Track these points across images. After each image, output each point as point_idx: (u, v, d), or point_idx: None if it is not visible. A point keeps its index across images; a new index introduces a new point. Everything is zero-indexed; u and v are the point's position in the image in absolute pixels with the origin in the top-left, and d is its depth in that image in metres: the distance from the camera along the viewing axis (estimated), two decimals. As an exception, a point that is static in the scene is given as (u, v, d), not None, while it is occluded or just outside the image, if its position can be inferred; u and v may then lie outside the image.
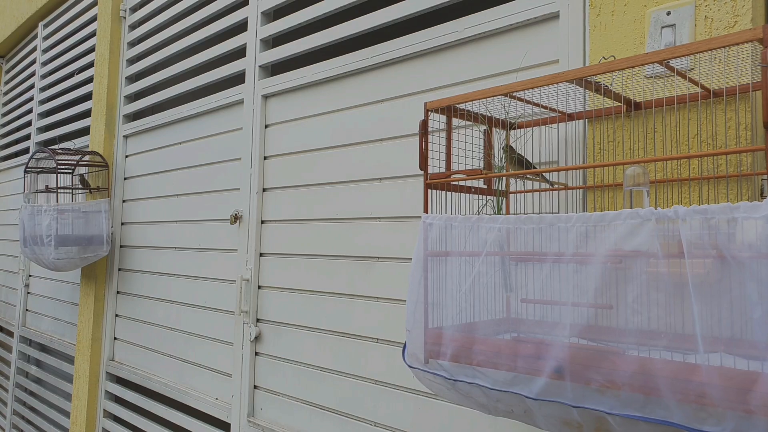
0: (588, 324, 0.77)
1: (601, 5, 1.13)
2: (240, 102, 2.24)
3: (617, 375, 0.74)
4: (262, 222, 2.11)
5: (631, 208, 0.76)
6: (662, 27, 1.01)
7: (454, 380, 0.94)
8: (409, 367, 1.03)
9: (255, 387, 2.06)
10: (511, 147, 1.07)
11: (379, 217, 1.69)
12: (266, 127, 2.13)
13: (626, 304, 0.73)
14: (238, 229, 2.18)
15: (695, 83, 0.91)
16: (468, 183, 1.09)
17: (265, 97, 2.13)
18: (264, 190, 2.12)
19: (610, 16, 1.11)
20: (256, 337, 2.06)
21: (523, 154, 1.10)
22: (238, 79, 2.26)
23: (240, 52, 2.26)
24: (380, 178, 1.70)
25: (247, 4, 2.24)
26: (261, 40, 2.16)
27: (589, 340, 0.79)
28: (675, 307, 0.70)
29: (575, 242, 0.78)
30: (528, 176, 1.12)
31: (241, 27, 2.27)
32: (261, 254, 2.10)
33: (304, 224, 1.94)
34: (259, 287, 2.09)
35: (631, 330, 0.73)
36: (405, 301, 1.58)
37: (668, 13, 1.01)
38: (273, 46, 2.15)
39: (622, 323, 0.74)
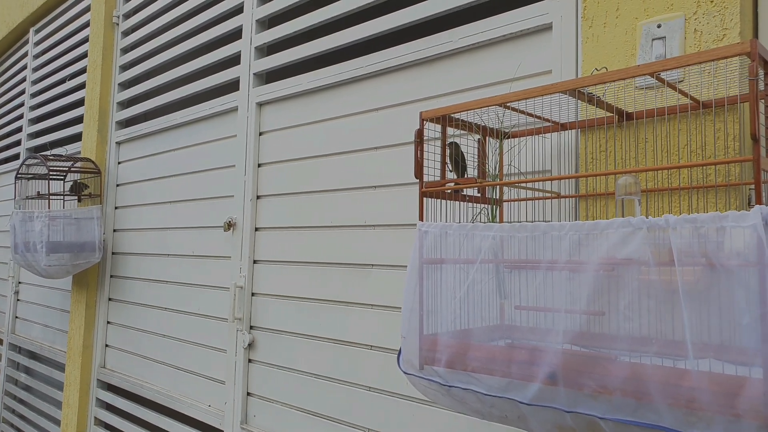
0: (581, 330, 0.79)
1: (593, 17, 1.15)
2: (234, 109, 2.25)
3: (609, 380, 0.75)
4: (256, 229, 2.11)
5: (623, 216, 0.77)
6: (653, 39, 1.04)
7: (449, 386, 0.95)
8: (404, 373, 1.04)
9: (248, 394, 2.06)
10: (456, 144, 1.08)
11: (373, 225, 1.70)
12: (261, 134, 2.14)
13: (618, 311, 0.75)
14: (232, 236, 2.18)
15: (685, 95, 0.93)
16: (462, 191, 1.10)
17: (260, 104, 2.14)
18: (258, 197, 2.12)
19: (602, 28, 1.13)
20: (249, 344, 2.06)
21: (465, 156, 1.10)
22: (233, 86, 2.27)
23: (234, 60, 2.27)
24: (375, 186, 1.72)
25: (242, 11, 2.25)
26: (256, 48, 2.17)
27: (582, 347, 0.80)
28: (666, 314, 0.71)
29: (568, 250, 0.79)
30: (520, 185, 1.14)
31: (235, 35, 2.28)
32: (255, 261, 2.10)
33: (298, 231, 1.95)
34: (253, 294, 2.09)
35: (622, 336, 0.75)
36: (400, 308, 1.60)
37: (659, 26, 1.03)
38: (268, 54, 2.16)
39: (614, 330, 0.75)
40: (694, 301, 0.68)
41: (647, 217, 0.72)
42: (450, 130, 1.09)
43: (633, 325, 0.74)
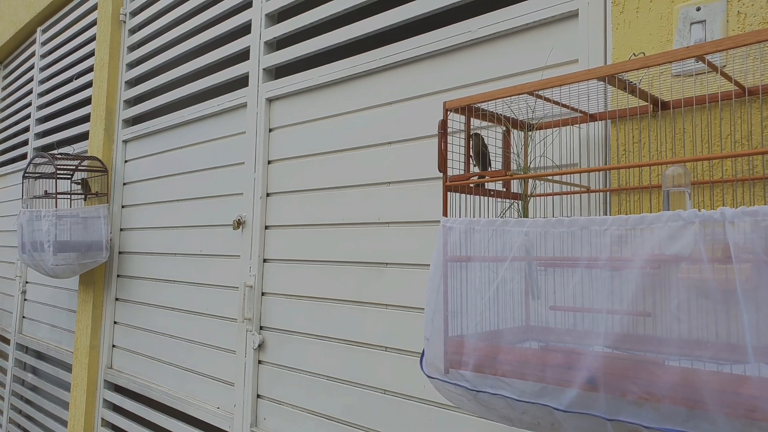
0: (624, 332, 0.73)
1: (624, 2, 1.09)
2: (243, 105, 2.20)
3: (657, 386, 0.70)
4: (266, 227, 2.07)
5: (671, 210, 0.72)
6: (691, 23, 0.98)
7: (477, 391, 0.90)
8: (428, 377, 0.98)
9: (258, 396, 2.01)
10: (479, 135, 1.03)
11: (387, 222, 1.65)
12: (270, 130, 2.09)
13: (668, 311, 0.69)
14: (241, 234, 2.14)
15: (740, 86, 0.87)
16: (486, 185, 1.05)
17: (269, 100, 2.10)
18: (268, 194, 2.07)
19: (635, 13, 1.07)
20: (259, 345, 2.01)
21: (487, 147, 1.05)
22: (242, 82, 2.22)
23: (243, 55, 2.22)
24: (389, 182, 1.66)
25: (251, 6, 2.20)
26: (265, 42, 2.13)
27: (625, 350, 0.75)
28: (721, 316, 0.66)
29: (610, 246, 0.74)
30: (550, 179, 1.08)
31: (244, 30, 2.23)
32: (265, 260, 2.05)
33: (309, 229, 1.90)
34: (263, 294, 2.04)
35: (672, 339, 0.69)
36: (416, 308, 1.55)
37: (698, 9, 0.98)
38: (277, 49, 2.12)
39: (663, 332, 0.70)
40: (755, 302, 0.63)
41: (700, 211, 0.66)
42: (474, 122, 1.03)
43: (683, 327, 0.68)
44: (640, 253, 0.71)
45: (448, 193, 0.99)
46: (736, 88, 0.88)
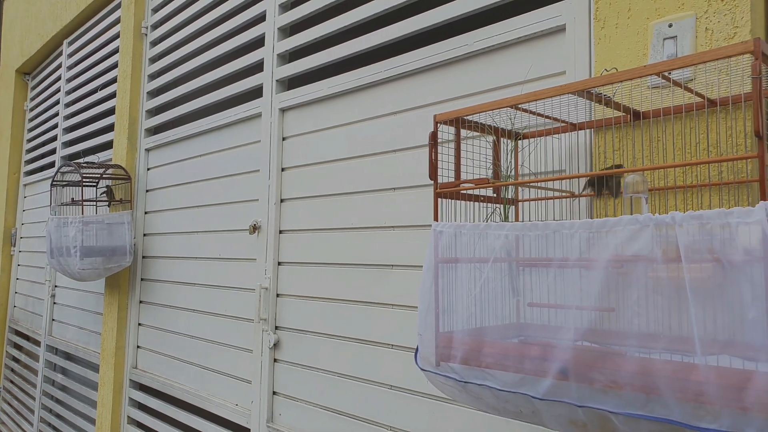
0: (591, 327, 0.80)
1: (605, 18, 1.16)
2: (258, 115, 2.31)
3: (619, 375, 0.77)
4: (280, 232, 2.17)
5: (632, 214, 0.79)
6: (664, 39, 1.04)
7: (465, 382, 0.98)
8: (422, 369, 1.06)
9: (274, 393, 2.11)
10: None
11: (392, 226, 1.74)
12: (284, 139, 2.19)
13: (627, 307, 0.76)
14: (257, 238, 2.24)
15: (700, 95, 0.94)
16: (477, 192, 1.12)
17: (282, 110, 2.20)
18: (282, 200, 2.17)
19: (614, 29, 1.14)
20: (274, 344, 2.11)
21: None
22: (256, 93, 2.33)
23: (258, 67, 2.33)
24: (393, 188, 1.75)
25: (265, 20, 2.31)
26: (278, 55, 2.23)
27: (593, 343, 0.82)
28: (674, 310, 0.73)
29: (578, 248, 0.81)
30: (534, 185, 1.15)
31: (258, 42, 2.34)
32: (279, 263, 2.15)
33: (320, 233, 1.99)
34: (278, 295, 2.14)
35: (632, 332, 0.76)
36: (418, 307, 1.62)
37: (670, 26, 1.04)
38: (289, 61, 2.22)
39: (624, 326, 0.77)
40: (701, 297, 0.69)
41: (655, 215, 0.73)
42: (464, 132, 1.11)
43: (642, 321, 0.75)
44: (603, 254, 0.78)
45: (439, 199, 1.07)
46: (701, 99, 0.95)
